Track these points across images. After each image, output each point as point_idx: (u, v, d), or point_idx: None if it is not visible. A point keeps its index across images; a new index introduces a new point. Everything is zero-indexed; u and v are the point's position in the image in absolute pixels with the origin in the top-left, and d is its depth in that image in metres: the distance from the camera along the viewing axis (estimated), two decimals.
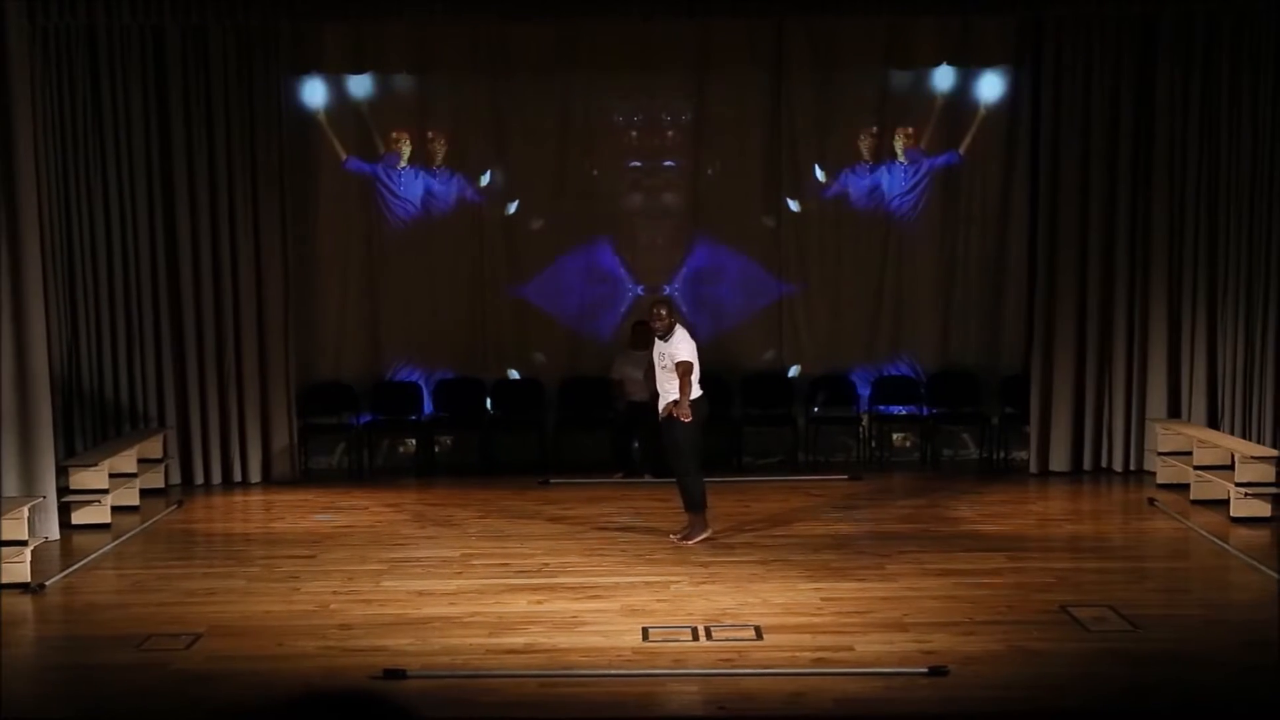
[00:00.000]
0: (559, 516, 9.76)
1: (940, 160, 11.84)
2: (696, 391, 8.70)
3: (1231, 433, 10.79)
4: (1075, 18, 10.84)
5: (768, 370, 11.99)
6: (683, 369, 8.57)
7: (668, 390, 8.69)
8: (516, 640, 6.85)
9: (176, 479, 11.14)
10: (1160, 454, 10.64)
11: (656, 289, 11.83)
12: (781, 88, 11.71)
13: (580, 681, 6.26)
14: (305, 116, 11.66)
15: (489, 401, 11.92)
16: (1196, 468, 9.95)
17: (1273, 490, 9.32)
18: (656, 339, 8.83)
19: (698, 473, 8.82)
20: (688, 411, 8.54)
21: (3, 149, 8.88)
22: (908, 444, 12.13)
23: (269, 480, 11.22)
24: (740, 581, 7.87)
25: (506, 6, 10.74)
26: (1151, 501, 10.10)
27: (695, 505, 8.82)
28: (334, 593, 7.80)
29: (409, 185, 11.85)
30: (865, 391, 11.92)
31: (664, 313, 8.77)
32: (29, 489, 8.91)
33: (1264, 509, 9.28)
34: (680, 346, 8.65)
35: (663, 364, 8.76)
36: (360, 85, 11.76)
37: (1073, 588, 7.79)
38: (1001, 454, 11.75)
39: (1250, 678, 6.31)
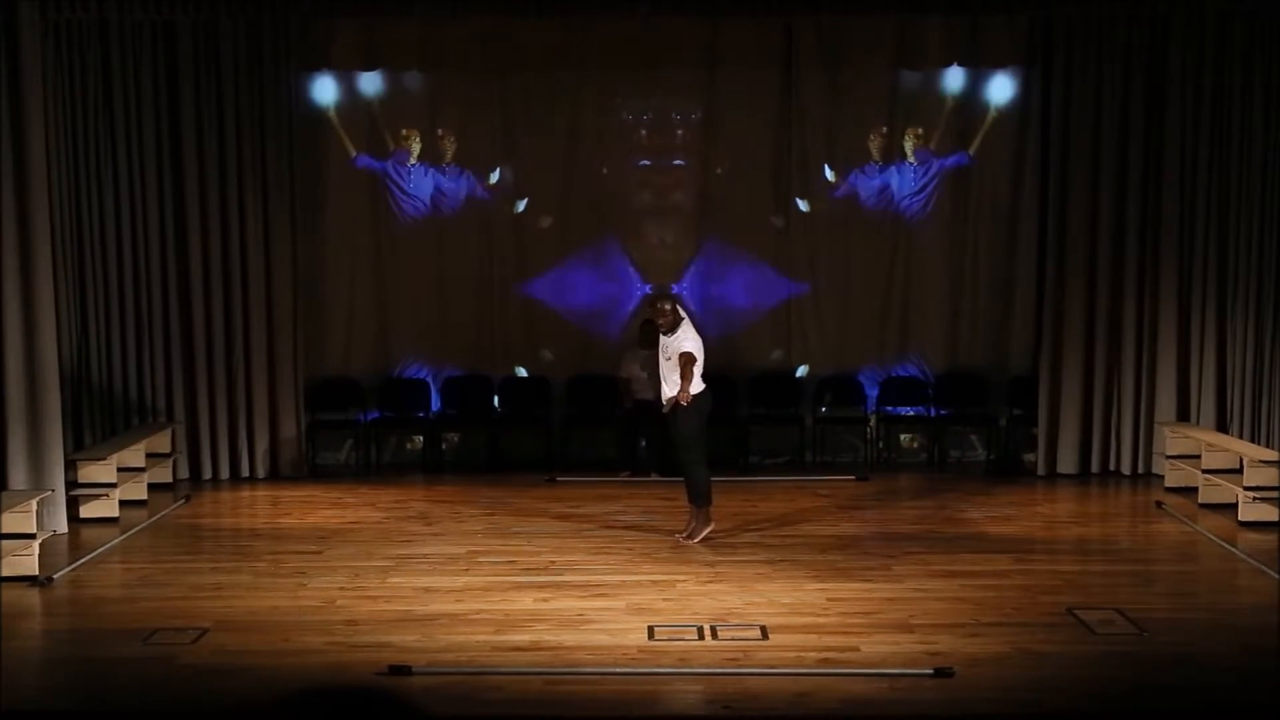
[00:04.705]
0: (566, 514, 9.77)
1: (950, 161, 11.82)
2: (699, 385, 8.67)
3: (1240, 436, 10.75)
4: (1085, 18, 10.82)
5: (775, 370, 11.98)
6: (685, 359, 8.51)
7: (671, 383, 8.64)
8: (522, 638, 6.85)
9: (184, 474, 11.15)
10: (1168, 457, 10.62)
11: (665, 288, 11.82)
12: (791, 87, 11.70)
13: (585, 679, 6.27)
14: (315, 113, 11.67)
15: (496, 399, 11.92)
16: (1205, 471, 9.93)
17: None
18: (660, 335, 8.79)
19: (705, 465, 8.80)
20: (688, 393, 8.48)
21: (14, 143, 8.90)
22: (915, 445, 12.12)
23: (276, 476, 11.24)
24: (746, 581, 7.87)
25: (516, 5, 10.74)
26: (1159, 505, 10.09)
27: (701, 498, 8.80)
28: (340, 589, 7.82)
29: (418, 182, 11.86)
30: (873, 392, 11.91)
31: (668, 308, 8.68)
32: (37, 482, 8.94)
33: (1272, 513, 9.24)
34: (685, 340, 8.61)
35: (666, 356, 8.68)
36: (370, 82, 11.77)
37: (1079, 590, 7.78)
38: (1009, 456, 11.73)
39: (1257, 681, 6.29)
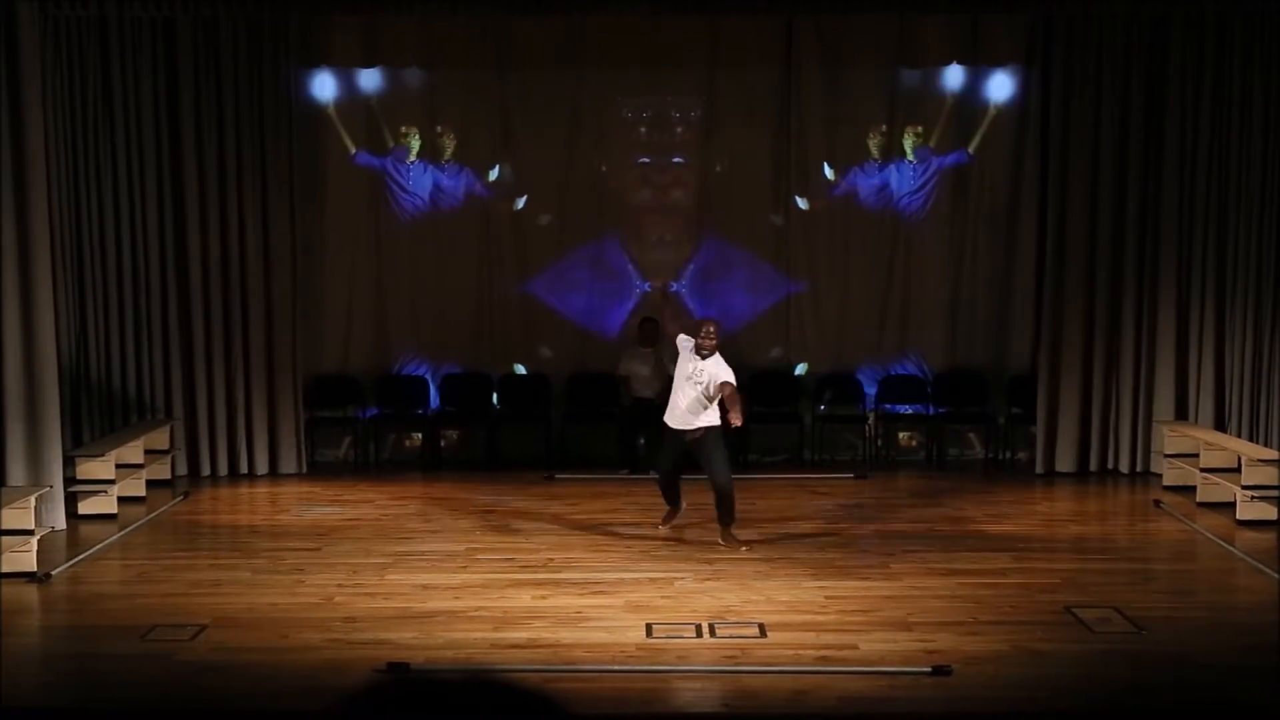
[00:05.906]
0: (564, 512, 9.77)
1: (949, 159, 11.82)
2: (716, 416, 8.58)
3: (1239, 435, 10.76)
4: (1085, 17, 10.81)
5: (774, 368, 11.98)
6: (728, 389, 8.31)
7: (696, 410, 8.47)
8: (520, 635, 6.86)
9: (183, 470, 11.15)
10: (1167, 456, 10.62)
11: (664, 285, 11.81)
12: (791, 85, 11.69)
13: (584, 677, 6.27)
14: (315, 110, 11.67)
15: (495, 396, 11.92)
16: (1203, 470, 9.93)
17: (1279, 493, 9.29)
18: (695, 355, 8.55)
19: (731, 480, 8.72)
20: (738, 414, 8.20)
21: (13, 139, 8.89)
22: (914, 443, 12.12)
23: (275, 473, 11.24)
24: (744, 579, 7.87)
25: (516, 2, 10.74)
26: (1157, 503, 10.09)
27: (733, 516, 8.73)
28: (339, 586, 7.82)
29: (417, 179, 11.86)
30: (872, 390, 11.91)
31: (713, 330, 8.53)
32: (36, 478, 8.93)
33: (1270, 512, 9.24)
34: (721, 369, 8.45)
35: (698, 380, 8.48)
36: (370, 79, 11.77)
37: (1077, 589, 7.78)
38: (1007, 454, 11.74)
39: (1254, 680, 6.30)
